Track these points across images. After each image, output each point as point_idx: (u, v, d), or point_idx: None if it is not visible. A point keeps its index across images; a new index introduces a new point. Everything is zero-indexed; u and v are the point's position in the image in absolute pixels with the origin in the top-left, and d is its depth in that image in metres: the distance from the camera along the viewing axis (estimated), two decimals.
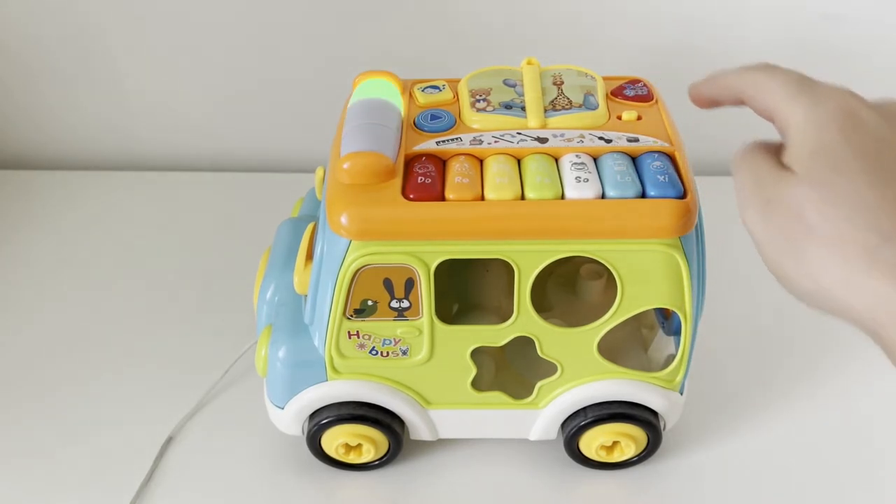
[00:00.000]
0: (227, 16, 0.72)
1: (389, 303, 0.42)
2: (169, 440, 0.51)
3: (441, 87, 0.47)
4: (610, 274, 0.41)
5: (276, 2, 0.71)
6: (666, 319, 0.49)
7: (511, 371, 0.49)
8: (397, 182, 0.40)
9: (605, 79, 0.48)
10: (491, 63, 0.49)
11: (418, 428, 0.48)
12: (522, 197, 0.40)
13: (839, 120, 0.29)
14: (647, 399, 0.46)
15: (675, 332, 0.46)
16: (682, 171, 0.41)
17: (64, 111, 0.78)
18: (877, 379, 0.56)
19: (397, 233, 0.40)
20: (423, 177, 0.41)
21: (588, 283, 0.51)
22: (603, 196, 0.40)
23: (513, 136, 0.43)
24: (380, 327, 0.43)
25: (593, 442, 0.48)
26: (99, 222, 0.72)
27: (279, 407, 0.47)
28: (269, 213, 0.63)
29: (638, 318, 0.50)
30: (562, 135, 0.43)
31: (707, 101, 0.37)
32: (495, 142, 0.43)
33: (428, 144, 0.43)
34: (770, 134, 0.34)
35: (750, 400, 0.54)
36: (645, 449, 0.49)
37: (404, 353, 0.44)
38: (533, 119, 0.44)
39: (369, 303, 0.42)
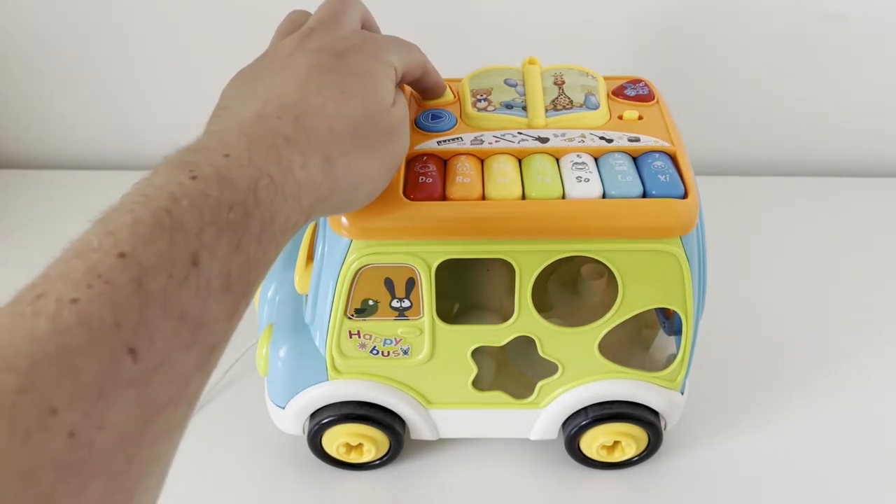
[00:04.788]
0: (228, 15, 0.72)
1: (390, 302, 0.42)
2: None
3: None
4: (611, 274, 0.41)
5: (277, 1, 0.71)
6: (667, 319, 0.49)
7: (512, 371, 0.49)
8: (398, 182, 0.40)
9: (606, 78, 0.48)
10: (492, 63, 0.49)
11: (419, 427, 0.48)
12: (523, 197, 0.40)
13: None
14: (647, 399, 0.46)
15: (676, 331, 0.46)
16: (683, 171, 0.41)
17: (64, 111, 0.78)
18: (877, 378, 0.56)
19: (398, 232, 0.40)
20: (424, 176, 0.41)
21: (589, 283, 0.51)
22: (604, 196, 0.40)
23: (514, 136, 0.43)
24: (381, 327, 0.43)
25: (594, 442, 0.48)
26: None
27: (280, 406, 0.47)
28: None
29: (639, 318, 0.50)
30: (563, 134, 0.43)
31: None
32: (496, 141, 0.43)
33: (429, 144, 0.43)
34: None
35: (751, 400, 0.54)
36: (646, 449, 0.49)
37: (405, 352, 0.44)
38: (534, 119, 0.44)
39: (370, 302, 0.42)
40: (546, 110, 0.44)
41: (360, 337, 0.44)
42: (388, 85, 0.36)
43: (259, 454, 0.51)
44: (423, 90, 0.45)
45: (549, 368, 0.45)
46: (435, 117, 0.45)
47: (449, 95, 0.47)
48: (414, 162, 0.42)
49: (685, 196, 0.40)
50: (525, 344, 0.44)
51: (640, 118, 0.45)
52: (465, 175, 0.40)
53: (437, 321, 0.43)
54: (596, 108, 0.45)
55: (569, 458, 0.49)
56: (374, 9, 0.42)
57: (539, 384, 0.46)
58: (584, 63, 0.49)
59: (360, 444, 0.48)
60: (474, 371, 0.45)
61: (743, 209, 0.72)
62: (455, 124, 0.44)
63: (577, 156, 0.42)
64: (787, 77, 0.74)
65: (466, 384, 0.46)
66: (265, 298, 0.48)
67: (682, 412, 0.48)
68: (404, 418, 0.47)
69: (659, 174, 0.41)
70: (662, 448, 0.49)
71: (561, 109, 0.44)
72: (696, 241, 0.42)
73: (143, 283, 0.24)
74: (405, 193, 0.40)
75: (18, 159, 0.81)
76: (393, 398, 0.46)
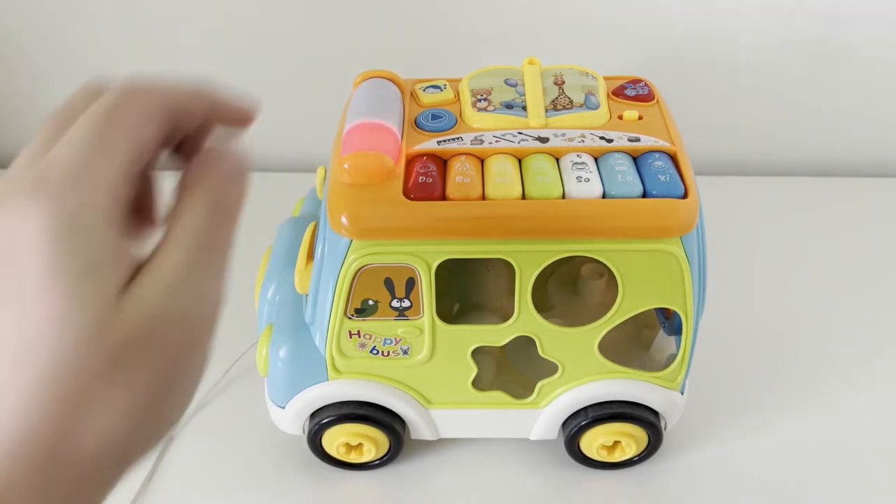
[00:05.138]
0: (227, 15, 0.72)
1: (390, 302, 0.42)
2: (169, 440, 0.51)
3: (442, 87, 0.47)
4: (611, 274, 0.41)
5: (276, 1, 0.71)
6: (667, 319, 0.49)
7: (512, 371, 0.49)
8: (398, 182, 0.40)
9: (606, 78, 0.48)
10: (492, 63, 0.49)
11: (419, 427, 0.48)
12: (523, 197, 0.40)
13: None
14: (647, 399, 0.46)
15: (676, 331, 0.46)
16: (684, 171, 0.41)
17: None
18: (877, 380, 0.56)
19: (398, 232, 0.40)
20: (424, 176, 0.40)
21: (589, 283, 0.51)
22: (604, 196, 0.40)
23: (514, 136, 0.43)
24: (381, 327, 0.43)
25: (594, 442, 0.48)
26: None
27: (280, 406, 0.47)
28: (269, 212, 0.63)
29: (639, 318, 0.50)
30: (563, 134, 0.43)
31: None
32: (496, 141, 0.43)
33: (429, 144, 0.43)
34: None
35: (750, 400, 0.54)
36: (646, 449, 0.49)
37: (405, 352, 0.44)
38: (534, 119, 0.44)
39: (370, 302, 0.42)
40: (546, 110, 0.44)
41: (360, 337, 0.44)
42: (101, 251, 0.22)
43: (258, 455, 0.50)
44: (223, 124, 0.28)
45: (549, 368, 0.45)
46: (435, 117, 0.45)
47: (449, 95, 0.47)
48: (414, 162, 0.42)
49: (685, 196, 0.40)
50: (525, 344, 0.44)
51: (640, 118, 0.45)
52: (465, 175, 0.40)
53: (437, 321, 0.43)
54: (596, 108, 0.45)
55: (569, 458, 0.49)
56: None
57: (539, 384, 0.46)
58: (585, 63, 0.49)
59: (360, 444, 0.48)
60: (474, 371, 0.45)
61: (743, 209, 0.72)
62: (455, 124, 0.44)
63: (577, 156, 0.42)
64: (786, 77, 0.73)
65: (466, 384, 0.46)
66: (265, 298, 0.48)
67: (682, 412, 0.48)
68: (404, 418, 0.47)
69: (659, 174, 0.41)
70: (662, 448, 0.49)
71: (561, 109, 0.44)
72: (696, 241, 0.42)
73: None
74: (405, 193, 0.40)
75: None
76: (393, 398, 0.46)
